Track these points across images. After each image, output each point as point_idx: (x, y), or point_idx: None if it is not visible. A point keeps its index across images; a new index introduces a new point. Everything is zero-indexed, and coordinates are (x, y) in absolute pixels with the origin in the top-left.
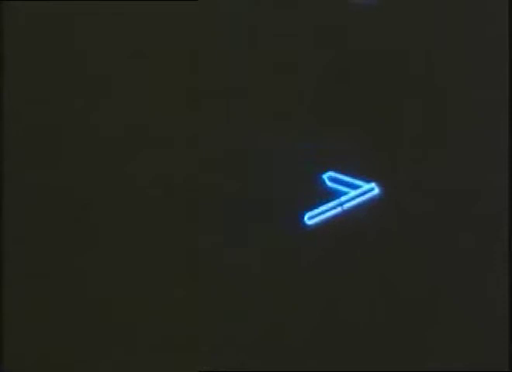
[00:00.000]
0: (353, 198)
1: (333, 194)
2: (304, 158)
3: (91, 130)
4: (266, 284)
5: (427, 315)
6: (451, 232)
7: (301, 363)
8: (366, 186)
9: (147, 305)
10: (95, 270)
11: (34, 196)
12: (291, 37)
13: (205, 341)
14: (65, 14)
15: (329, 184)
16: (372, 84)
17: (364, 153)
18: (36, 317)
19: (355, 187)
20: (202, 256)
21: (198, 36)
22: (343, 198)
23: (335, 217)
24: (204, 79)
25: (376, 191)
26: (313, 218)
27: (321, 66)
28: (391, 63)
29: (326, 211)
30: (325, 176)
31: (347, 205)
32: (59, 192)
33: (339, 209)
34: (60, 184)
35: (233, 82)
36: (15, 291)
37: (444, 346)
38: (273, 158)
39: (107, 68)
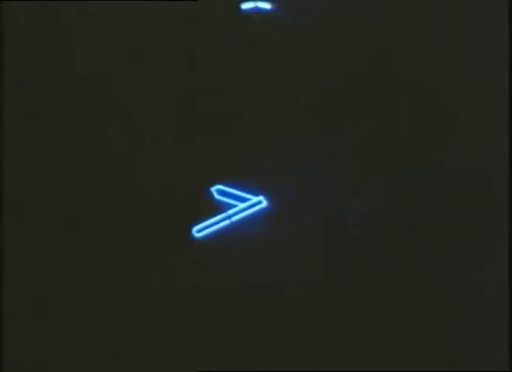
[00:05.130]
0: (241, 211)
1: (221, 207)
2: (192, 170)
3: (90, 130)
4: (152, 297)
5: (427, 316)
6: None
7: None
8: (254, 199)
9: (147, 306)
10: (95, 270)
11: (34, 196)
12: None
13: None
14: (65, 14)
15: (217, 197)
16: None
17: (253, 165)
18: (36, 318)
19: (243, 200)
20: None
21: (195, 37)
22: (231, 211)
23: (223, 230)
24: (201, 79)
25: (264, 203)
26: (201, 231)
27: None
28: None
29: (215, 224)
30: (213, 189)
31: (235, 218)
32: (59, 193)
33: (227, 222)
34: (59, 185)
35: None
36: (15, 291)
37: (444, 346)
38: (162, 170)
39: (106, 68)
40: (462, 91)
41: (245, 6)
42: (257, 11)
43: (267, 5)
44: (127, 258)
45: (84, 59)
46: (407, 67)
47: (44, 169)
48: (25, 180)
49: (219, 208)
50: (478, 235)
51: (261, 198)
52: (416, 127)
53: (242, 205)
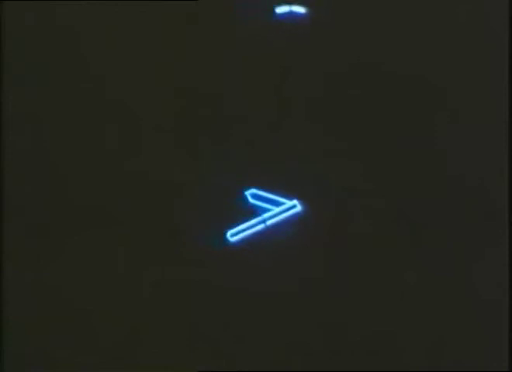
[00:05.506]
0: (275, 215)
1: (255, 211)
2: (226, 175)
3: (89, 129)
4: (191, 300)
5: (427, 316)
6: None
7: None
8: (289, 203)
9: (147, 307)
10: (96, 271)
11: (34, 196)
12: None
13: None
14: (65, 14)
15: (251, 201)
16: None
17: (288, 170)
18: (36, 316)
19: (278, 204)
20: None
21: (196, 39)
22: (265, 215)
23: (258, 234)
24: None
25: (299, 208)
26: (235, 235)
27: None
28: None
29: (249, 228)
30: (247, 193)
31: (269, 222)
32: (58, 193)
33: (262, 226)
34: (59, 185)
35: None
36: (15, 291)
37: (444, 346)
38: (196, 175)
39: (106, 68)
40: (462, 91)
41: (280, 10)
42: (291, 14)
43: (301, 9)
44: (128, 260)
45: (84, 60)
46: (411, 67)
47: (46, 171)
48: (25, 180)
49: (254, 212)
50: (478, 234)
51: (295, 202)
52: (416, 126)
53: (276, 209)
